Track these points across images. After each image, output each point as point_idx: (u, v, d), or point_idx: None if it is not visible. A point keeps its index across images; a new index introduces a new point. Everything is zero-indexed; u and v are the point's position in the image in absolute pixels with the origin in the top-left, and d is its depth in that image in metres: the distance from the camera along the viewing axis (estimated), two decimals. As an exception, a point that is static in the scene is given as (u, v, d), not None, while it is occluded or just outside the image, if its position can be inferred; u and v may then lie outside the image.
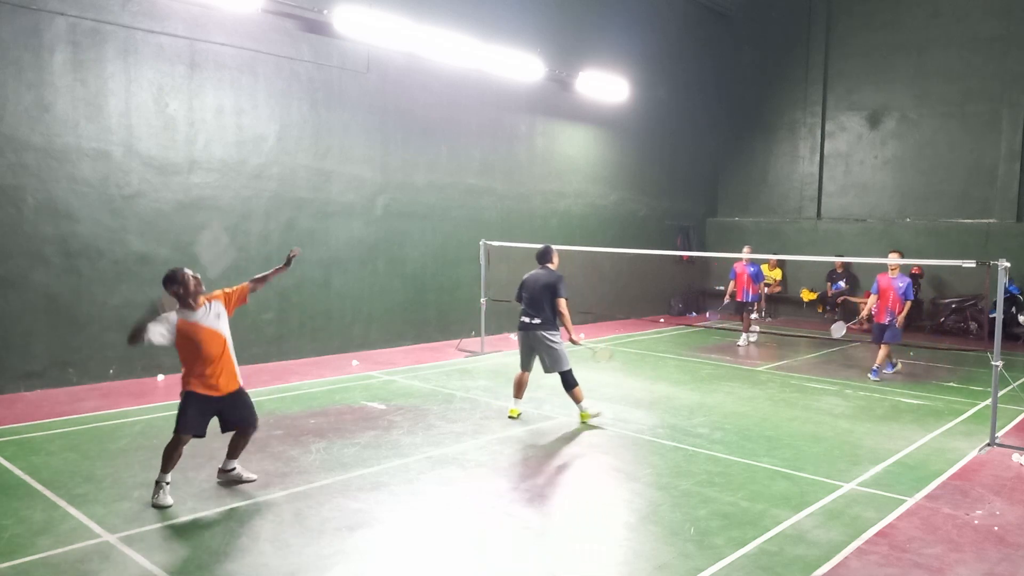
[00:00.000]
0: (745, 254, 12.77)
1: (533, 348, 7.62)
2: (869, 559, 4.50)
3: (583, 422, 7.59)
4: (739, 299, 13.15)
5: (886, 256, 15.08)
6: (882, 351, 10.16)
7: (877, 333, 10.28)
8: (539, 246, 12.82)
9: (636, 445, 6.89)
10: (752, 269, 13.08)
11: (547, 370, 7.61)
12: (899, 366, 10.84)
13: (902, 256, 10.37)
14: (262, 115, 10.29)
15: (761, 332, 13.88)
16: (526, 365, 7.75)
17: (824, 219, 17.34)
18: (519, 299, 7.84)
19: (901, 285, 10.04)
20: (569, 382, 7.57)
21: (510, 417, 7.74)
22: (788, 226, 17.71)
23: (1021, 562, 4.52)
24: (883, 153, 16.61)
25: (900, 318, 10.01)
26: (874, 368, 10.20)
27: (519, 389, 7.81)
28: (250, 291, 5.76)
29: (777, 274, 17.43)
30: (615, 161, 16.21)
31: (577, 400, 7.62)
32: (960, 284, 15.09)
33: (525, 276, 7.92)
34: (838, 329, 10.44)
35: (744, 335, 13.20)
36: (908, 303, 10.04)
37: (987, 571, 4.39)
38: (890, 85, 16.35)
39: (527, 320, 7.60)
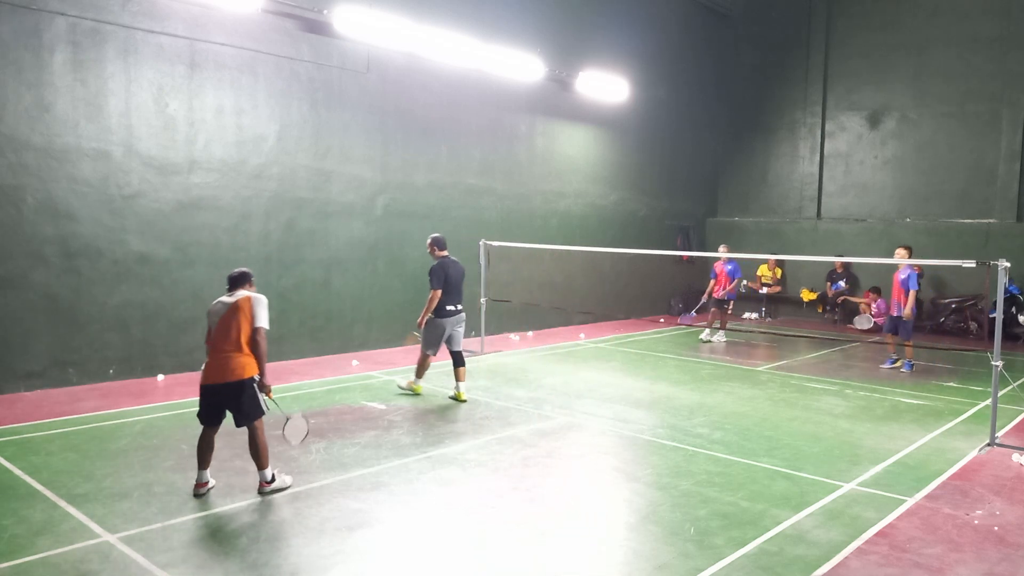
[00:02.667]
0: (722, 253, 12.92)
1: (452, 333, 8.49)
2: (869, 559, 4.50)
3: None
4: (716, 296, 13.34)
5: (887, 256, 15.21)
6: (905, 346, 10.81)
7: (890, 325, 10.92)
8: (539, 246, 12.89)
9: (636, 445, 6.90)
10: (729, 267, 13.30)
11: (456, 347, 8.55)
12: (899, 363, 10.96)
13: (909, 252, 10.71)
14: (262, 115, 10.29)
15: (761, 332, 13.88)
16: (441, 347, 8.59)
17: (824, 219, 17.34)
18: (443, 287, 8.34)
19: (903, 277, 10.54)
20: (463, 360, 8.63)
21: (416, 393, 8.65)
22: (788, 226, 17.71)
23: (1021, 562, 4.52)
24: (883, 153, 16.61)
25: (907, 310, 10.44)
26: (907, 361, 10.82)
27: (426, 370, 8.69)
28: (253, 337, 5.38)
29: (778, 273, 17.44)
30: (615, 161, 16.22)
31: (460, 378, 8.51)
32: (960, 284, 15.08)
33: (445, 266, 8.43)
34: (862, 321, 11.18)
35: (720, 331, 13.39)
36: (912, 292, 10.43)
37: (987, 571, 4.39)
38: (890, 85, 16.36)
39: (454, 308, 8.48)
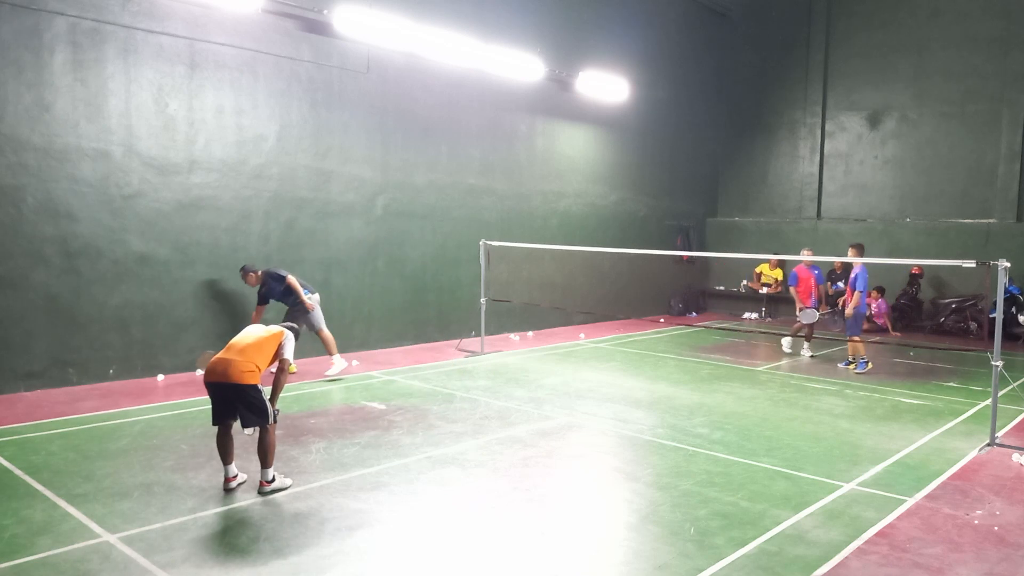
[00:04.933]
0: (805, 256, 11.58)
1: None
2: (869, 559, 4.50)
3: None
4: (807, 305, 11.95)
5: (887, 256, 15.22)
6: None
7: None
8: (539, 246, 12.92)
9: (636, 445, 6.90)
10: (816, 271, 12.07)
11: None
12: (866, 366, 10.75)
13: (857, 250, 10.55)
14: (262, 115, 10.29)
15: (760, 332, 13.84)
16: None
17: (824, 219, 17.34)
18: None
19: (852, 277, 10.67)
20: None
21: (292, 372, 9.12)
22: (788, 226, 17.71)
23: (1021, 562, 4.52)
24: (883, 153, 16.61)
25: (848, 308, 10.60)
26: (861, 360, 10.76)
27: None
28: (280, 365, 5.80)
29: (778, 274, 17.43)
30: (615, 161, 16.22)
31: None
32: (960, 284, 15.09)
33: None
34: (808, 316, 11.37)
35: (806, 344, 12.11)
36: (857, 292, 10.52)
37: (987, 571, 4.39)
38: (890, 85, 16.35)
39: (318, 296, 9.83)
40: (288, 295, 9.45)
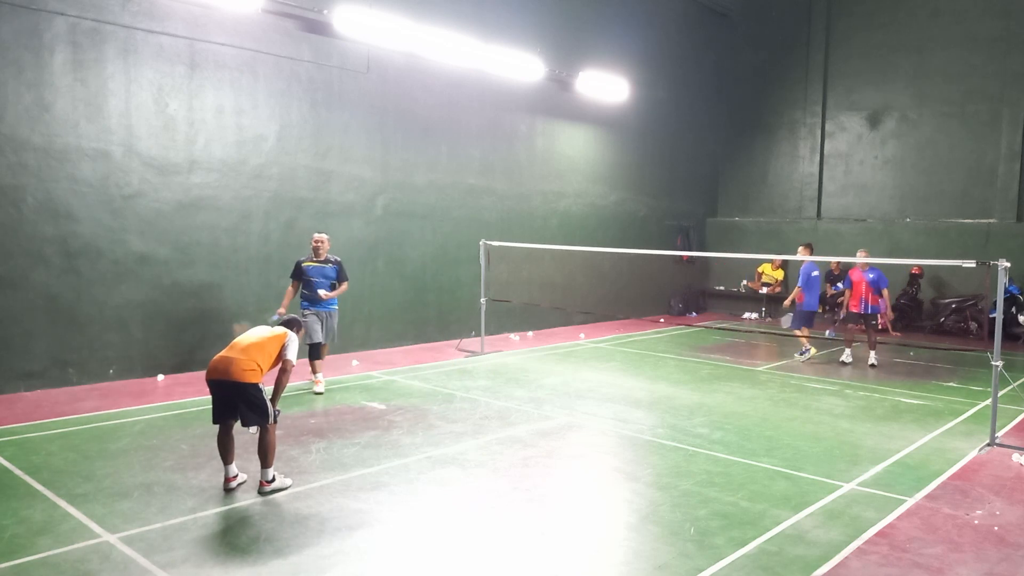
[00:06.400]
0: (860, 258, 10.88)
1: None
2: (869, 559, 4.50)
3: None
4: (857, 310, 11.26)
5: (887, 256, 15.22)
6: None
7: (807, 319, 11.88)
8: (539, 246, 12.96)
9: (636, 445, 6.90)
10: (872, 275, 11.19)
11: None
12: (811, 352, 11.71)
13: (807, 249, 11.65)
14: (262, 115, 10.29)
15: (761, 332, 13.83)
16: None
17: (824, 219, 17.34)
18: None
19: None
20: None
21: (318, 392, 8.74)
22: (788, 226, 17.70)
23: (1021, 562, 4.52)
24: (883, 153, 16.61)
25: (787, 301, 11.88)
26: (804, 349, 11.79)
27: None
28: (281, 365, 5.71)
29: (779, 275, 17.43)
30: (615, 161, 16.22)
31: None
32: (960, 284, 15.09)
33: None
34: (786, 320, 12.14)
35: (872, 352, 11.30)
36: (797, 288, 11.69)
37: (987, 571, 4.39)
38: (890, 85, 16.35)
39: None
40: (322, 288, 8.85)
